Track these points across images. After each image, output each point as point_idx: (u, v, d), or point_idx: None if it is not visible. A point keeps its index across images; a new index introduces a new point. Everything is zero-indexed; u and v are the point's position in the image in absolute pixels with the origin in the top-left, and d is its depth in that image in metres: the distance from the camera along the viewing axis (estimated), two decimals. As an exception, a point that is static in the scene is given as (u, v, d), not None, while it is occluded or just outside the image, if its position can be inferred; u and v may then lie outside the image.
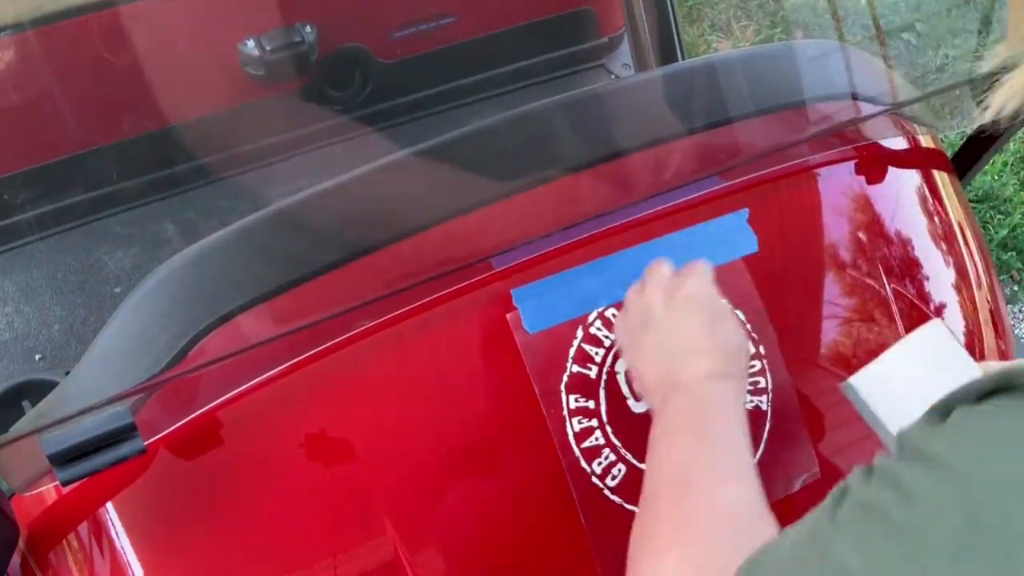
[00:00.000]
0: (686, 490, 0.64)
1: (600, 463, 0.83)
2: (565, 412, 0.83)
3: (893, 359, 0.76)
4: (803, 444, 0.90)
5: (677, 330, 0.76)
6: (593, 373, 0.84)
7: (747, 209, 0.91)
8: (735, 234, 0.91)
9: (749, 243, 0.91)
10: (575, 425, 0.83)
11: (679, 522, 0.62)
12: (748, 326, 0.89)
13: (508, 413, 0.84)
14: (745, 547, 0.52)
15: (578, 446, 0.83)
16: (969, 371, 0.74)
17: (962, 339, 1.02)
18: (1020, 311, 2.42)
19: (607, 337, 0.85)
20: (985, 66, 0.62)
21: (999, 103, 0.57)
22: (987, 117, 0.59)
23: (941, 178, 1.09)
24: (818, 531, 0.48)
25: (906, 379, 0.75)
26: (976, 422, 0.46)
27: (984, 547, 0.40)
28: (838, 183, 1.01)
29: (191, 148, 1.79)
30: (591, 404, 0.84)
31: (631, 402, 0.85)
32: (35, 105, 1.70)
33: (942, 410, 0.48)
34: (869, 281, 0.97)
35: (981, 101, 0.58)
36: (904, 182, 1.05)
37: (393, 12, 1.94)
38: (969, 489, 0.42)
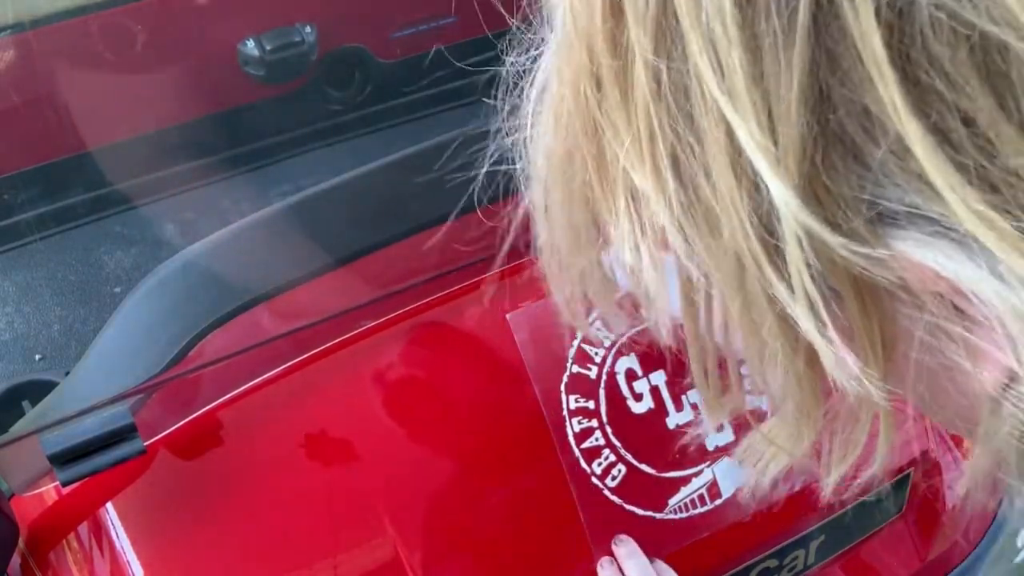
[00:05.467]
0: None
1: (600, 463, 0.83)
2: (565, 412, 0.83)
3: None
4: (803, 444, 0.90)
5: None
6: (593, 373, 0.84)
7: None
8: None
9: None
10: (575, 425, 0.83)
11: None
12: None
13: (508, 413, 0.84)
14: None
15: (578, 446, 0.83)
16: None
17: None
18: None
19: (607, 337, 0.85)
20: None
21: None
22: None
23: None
24: None
25: None
26: None
27: None
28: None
29: (191, 148, 1.79)
30: (591, 404, 0.84)
31: (631, 402, 0.85)
32: (35, 105, 1.70)
33: None
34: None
35: None
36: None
37: (393, 12, 1.94)
38: None
